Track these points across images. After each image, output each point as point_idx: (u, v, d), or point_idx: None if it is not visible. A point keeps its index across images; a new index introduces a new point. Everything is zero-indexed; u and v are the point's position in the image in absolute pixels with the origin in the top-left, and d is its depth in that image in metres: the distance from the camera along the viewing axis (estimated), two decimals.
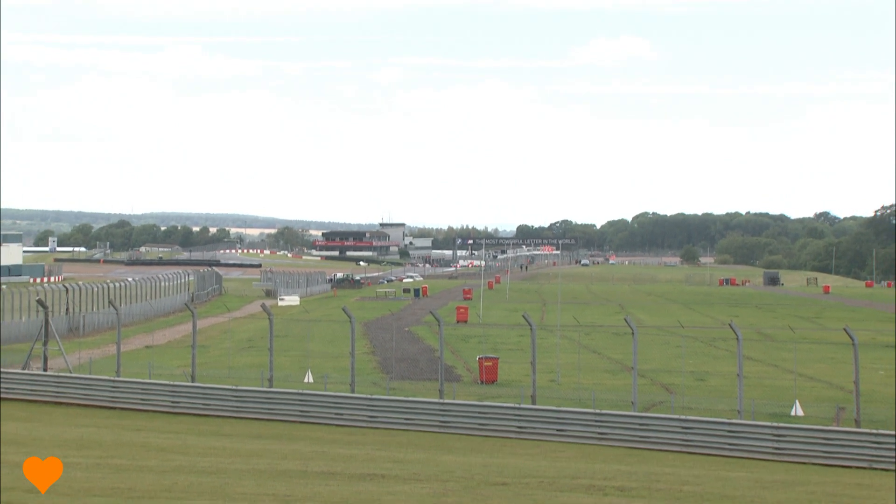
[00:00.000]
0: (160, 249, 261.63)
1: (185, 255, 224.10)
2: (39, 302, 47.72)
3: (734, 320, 49.97)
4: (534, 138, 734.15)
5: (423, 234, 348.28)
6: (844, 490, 25.17)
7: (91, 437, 31.09)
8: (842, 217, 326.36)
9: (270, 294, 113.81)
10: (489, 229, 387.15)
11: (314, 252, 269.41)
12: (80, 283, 78.13)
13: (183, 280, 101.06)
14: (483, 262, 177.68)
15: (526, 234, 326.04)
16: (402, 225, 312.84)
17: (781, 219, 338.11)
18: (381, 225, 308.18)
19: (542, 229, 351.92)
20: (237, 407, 38.76)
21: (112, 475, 22.96)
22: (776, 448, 32.12)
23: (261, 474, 23.84)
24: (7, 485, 21.13)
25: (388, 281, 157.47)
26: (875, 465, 30.72)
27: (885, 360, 58.30)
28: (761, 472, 28.81)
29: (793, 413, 38.69)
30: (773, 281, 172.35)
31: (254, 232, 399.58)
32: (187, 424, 36.71)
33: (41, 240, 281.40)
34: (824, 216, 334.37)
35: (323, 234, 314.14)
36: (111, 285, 79.20)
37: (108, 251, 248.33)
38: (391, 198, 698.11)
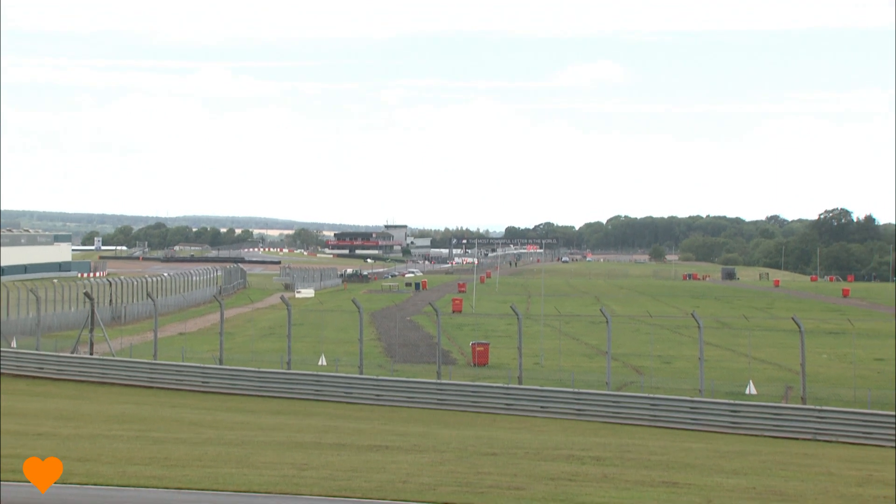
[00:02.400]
0: (192, 248, 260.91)
1: (213, 253, 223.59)
2: (86, 294, 47.71)
3: (696, 310, 49.99)
4: (520, 150, 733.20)
5: (423, 234, 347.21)
6: (792, 459, 25.22)
7: (132, 413, 31.09)
8: (790, 220, 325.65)
9: (288, 287, 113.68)
10: (481, 230, 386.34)
11: (327, 250, 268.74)
12: (122, 277, 78.06)
13: (212, 275, 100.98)
14: (476, 260, 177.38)
15: (513, 235, 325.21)
16: (405, 227, 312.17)
17: (737, 221, 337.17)
18: (386, 227, 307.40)
19: (527, 230, 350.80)
20: (260, 386, 38.78)
21: (150, 446, 22.97)
22: (733, 422, 32.18)
23: (280, 446, 23.85)
24: (58, 454, 21.12)
25: (392, 276, 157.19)
26: (819, 437, 30.81)
27: (828, 346, 58.40)
28: (719, 443, 28.85)
29: (747, 391, 38.73)
30: (729, 276, 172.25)
31: (274, 233, 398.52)
32: (216, 402, 36.72)
33: (88, 239, 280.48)
34: (775, 219, 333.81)
35: (335, 234, 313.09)
36: (149, 279, 79.13)
37: (147, 250, 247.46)
38: (395, 202, 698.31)
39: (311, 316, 71.56)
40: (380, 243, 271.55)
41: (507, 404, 35.00)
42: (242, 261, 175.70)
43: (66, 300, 63.26)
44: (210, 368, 40.24)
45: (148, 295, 64.34)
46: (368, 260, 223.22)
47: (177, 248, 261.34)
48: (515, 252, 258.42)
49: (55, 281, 77.50)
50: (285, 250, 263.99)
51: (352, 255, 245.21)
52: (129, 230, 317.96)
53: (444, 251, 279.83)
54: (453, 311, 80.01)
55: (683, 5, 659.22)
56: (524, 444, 25.44)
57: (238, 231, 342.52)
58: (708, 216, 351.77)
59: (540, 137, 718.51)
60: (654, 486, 19.78)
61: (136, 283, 74.60)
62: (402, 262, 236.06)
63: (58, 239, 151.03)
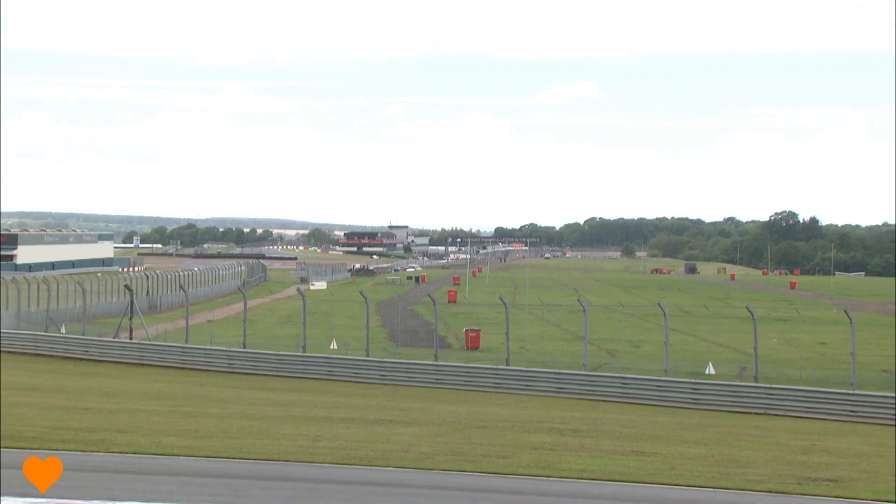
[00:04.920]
0: (219, 246, 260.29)
1: (238, 251, 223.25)
2: (126, 286, 47.68)
3: (662, 300, 49.97)
4: (508, 159, 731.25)
5: (422, 234, 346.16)
6: (746, 431, 25.27)
7: (166, 391, 31.08)
8: (744, 220, 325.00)
9: (304, 280, 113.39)
10: (473, 230, 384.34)
11: (338, 248, 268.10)
12: (158, 272, 77.97)
13: (236, 270, 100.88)
14: (468, 256, 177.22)
15: (502, 234, 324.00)
16: (406, 227, 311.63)
17: (698, 222, 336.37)
18: (390, 227, 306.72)
19: (514, 230, 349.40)
20: (278, 367, 38.78)
21: (182, 420, 22.96)
22: (694, 399, 32.23)
23: (296, 419, 23.85)
24: (102, 426, 21.14)
25: (395, 270, 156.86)
26: (769, 412, 30.87)
27: (778, 331, 58.47)
28: (682, 417, 28.89)
29: (707, 372, 38.79)
30: (691, 270, 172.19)
31: (291, 232, 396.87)
32: (240, 381, 36.71)
33: (128, 238, 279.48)
34: (731, 220, 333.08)
35: (344, 234, 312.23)
36: (181, 273, 79.02)
37: (179, 247, 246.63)
38: (397, 205, 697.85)
39: (324, 306, 71.51)
40: (384, 241, 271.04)
41: (496, 383, 35.03)
42: (263, 257, 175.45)
43: (109, 291, 63.21)
44: (235, 351, 40.24)
45: (180, 287, 64.29)
46: (374, 256, 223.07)
47: (206, 245, 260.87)
48: (503, 249, 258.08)
49: (99, 275, 77.39)
50: (301, 248, 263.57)
51: (359, 252, 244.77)
52: (163, 230, 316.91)
53: (441, 248, 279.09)
54: (449, 302, 79.98)
55: (653, 32, 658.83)
56: (511, 418, 25.45)
57: (259, 231, 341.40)
58: (672, 218, 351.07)
59: (526, 148, 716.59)
60: (625, 454, 19.82)
61: (169, 276, 74.51)
62: (403, 258, 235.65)
63: (101, 238, 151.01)
